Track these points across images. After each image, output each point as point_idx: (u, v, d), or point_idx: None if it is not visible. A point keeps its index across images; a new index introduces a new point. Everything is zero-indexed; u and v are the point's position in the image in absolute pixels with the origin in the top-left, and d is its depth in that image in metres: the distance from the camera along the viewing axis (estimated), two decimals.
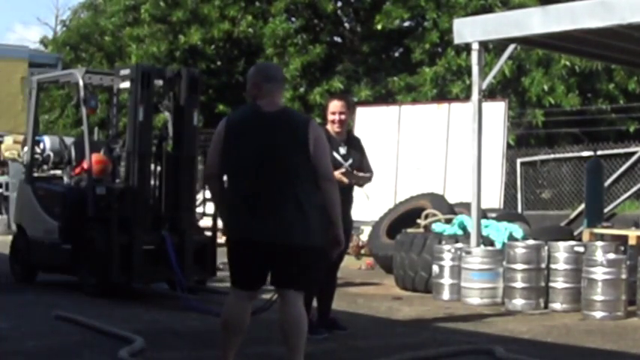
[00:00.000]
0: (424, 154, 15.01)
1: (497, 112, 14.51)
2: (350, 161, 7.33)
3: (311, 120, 5.44)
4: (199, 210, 9.99)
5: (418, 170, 14.87)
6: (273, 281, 5.33)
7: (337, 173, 7.02)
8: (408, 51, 20.95)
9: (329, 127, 7.40)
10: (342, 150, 7.33)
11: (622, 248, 9.19)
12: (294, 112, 5.47)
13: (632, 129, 18.46)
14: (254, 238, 5.19)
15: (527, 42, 10.94)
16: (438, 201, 12.66)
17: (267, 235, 5.16)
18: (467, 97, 15.02)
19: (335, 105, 7.38)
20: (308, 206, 5.20)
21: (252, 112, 5.38)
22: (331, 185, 5.30)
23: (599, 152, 15.40)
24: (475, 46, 9.84)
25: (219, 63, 22.97)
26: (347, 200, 7.24)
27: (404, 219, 12.40)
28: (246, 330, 5.37)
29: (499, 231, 10.45)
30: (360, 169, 7.40)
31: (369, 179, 7.46)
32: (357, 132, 16.65)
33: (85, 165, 9.80)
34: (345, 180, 7.10)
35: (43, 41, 30.28)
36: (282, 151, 5.20)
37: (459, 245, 9.91)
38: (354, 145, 7.48)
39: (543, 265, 9.09)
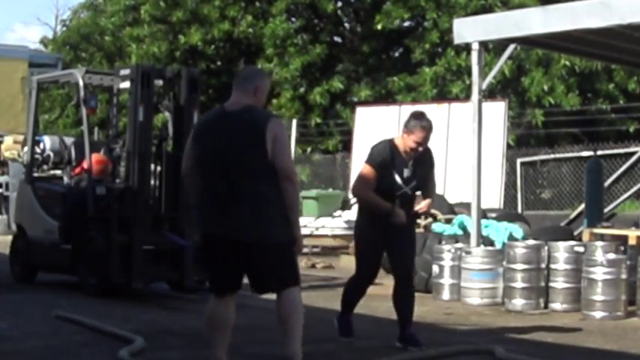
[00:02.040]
0: None
1: (497, 112, 14.51)
2: (412, 184, 6.81)
3: (271, 117, 5.43)
4: None
5: None
6: (251, 284, 5.41)
7: (399, 214, 6.64)
8: (408, 51, 20.96)
9: (400, 143, 6.81)
10: (407, 172, 6.78)
11: (622, 248, 9.19)
12: (255, 110, 5.41)
13: (632, 129, 18.45)
14: (220, 235, 5.27)
15: (527, 42, 10.94)
16: (438, 201, 12.63)
17: (230, 233, 5.23)
18: (467, 97, 15.02)
19: (422, 137, 6.73)
20: (267, 203, 5.20)
21: (216, 113, 5.59)
22: (290, 184, 5.26)
23: (599, 152, 15.39)
24: (475, 46, 9.84)
25: (219, 63, 22.98)
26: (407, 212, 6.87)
27: None
28: (232, 326, 5.42)
29: (499, 231, 10.45)
30: (424, 188, 6.94)
31: (429, 207, 7.02)
32: (357, 132, 16.77)
33: (85, 165, 9.80)
34: (400, 220, 6.67)
35: (43, 41, 30.26)
36: (239, 149, 5.24)
37: (459, 245, 9.91)
38: (424, 162, 6.91)
39: (543, 265, 9.09)
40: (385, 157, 6.76)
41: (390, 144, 6.86)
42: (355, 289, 7.10)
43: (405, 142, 6.77)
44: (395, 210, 6.67)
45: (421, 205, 6.96)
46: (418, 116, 6.89)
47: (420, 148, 6.79)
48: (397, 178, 6.73)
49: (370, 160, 6.79)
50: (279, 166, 5.21)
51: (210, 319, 5.41)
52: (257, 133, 5.20)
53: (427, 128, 6.79)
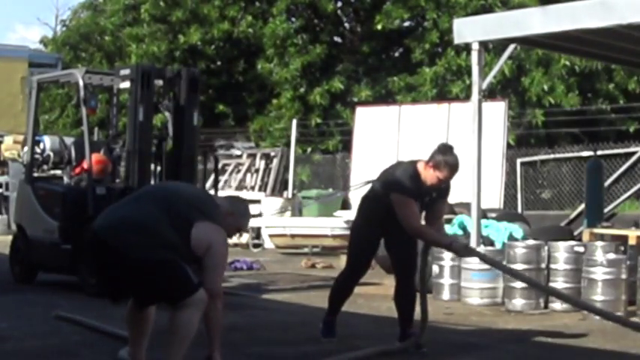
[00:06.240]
0: (424, 154, 14.96)
1: (497, 112, 14.52)
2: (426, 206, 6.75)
3: None
4: None
5: None
6: None
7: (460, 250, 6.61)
8: (408, 51, 20.96)
9: (422, 171, 6.68)
10: (427, 199, 6.69)
11: (622, 248, 9.18)
12: None
13: (632, 129, 18.46)
14: None
15: (527, 42, 10.93)
16: None
17: None
18: (467, 97, 15.02)
19: (447, 176, 6.62)
20: None
21: None
22: None
23: (599, 152, 15.39)
24: (475, 46, 9.84)
25: (219, 63, 23.00)
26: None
27: None
28: None
29: (499, 231, 10.44)
30: (432, 206, 6.79)
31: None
32: (357, 132, 16.75)
33: (85, 165, 9.79)
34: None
35: (43, 41, 30.27)
36: None
37: None
38: (443, 193, 6.83)
39: (543, 265, 9.08)
40: (414, 187, 6.61)
41: (415, 172, 6.70)
42: (345, 285, 7.05)
43: (428, 175, 6.62)
44: (454, 247, 6.58)
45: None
46: (446, 151, 6.73)
47: (443, 185, 6.71)
48: (416, 207, 6.58)
49: (408, 193, 6.57)
50: None
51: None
52: None
53: (455, 167, 6.64)
